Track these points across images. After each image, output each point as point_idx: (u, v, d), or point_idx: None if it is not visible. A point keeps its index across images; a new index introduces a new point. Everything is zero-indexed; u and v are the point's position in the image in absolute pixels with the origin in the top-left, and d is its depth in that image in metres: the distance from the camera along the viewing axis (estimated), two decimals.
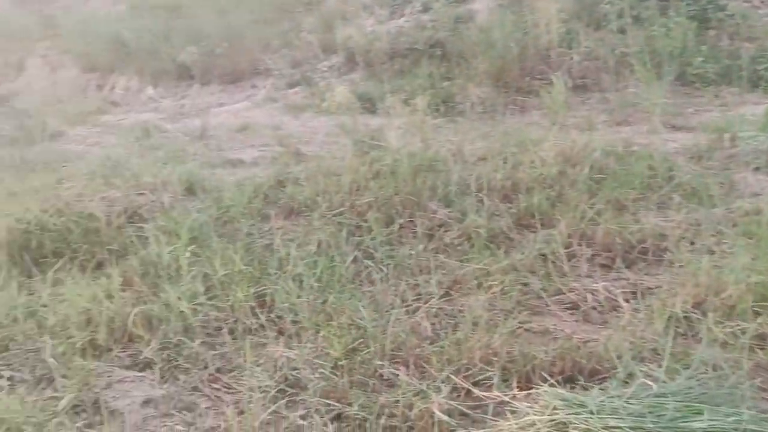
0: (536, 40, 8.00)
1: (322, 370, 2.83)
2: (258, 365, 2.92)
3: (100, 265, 3.95)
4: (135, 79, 11.92)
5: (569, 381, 2.68)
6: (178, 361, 3.04)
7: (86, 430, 2.56)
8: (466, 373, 2.78)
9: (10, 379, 2.87)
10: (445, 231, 4.11)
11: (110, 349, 3.15)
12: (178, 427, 2.64)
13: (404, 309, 3.32)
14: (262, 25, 11.04)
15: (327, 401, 2.65)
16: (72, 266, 3.84)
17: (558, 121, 5.87)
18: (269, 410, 2.60)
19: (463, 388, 2.66)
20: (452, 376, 2.73)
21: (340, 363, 2.85)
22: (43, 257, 3.98)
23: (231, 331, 3.23)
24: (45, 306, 3.41)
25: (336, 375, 2.79)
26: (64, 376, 2.89)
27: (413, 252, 3.85)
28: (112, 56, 12.08)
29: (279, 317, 3.31)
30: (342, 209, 4.35)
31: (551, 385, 2.51)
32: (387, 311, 3.29)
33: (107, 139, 8.30)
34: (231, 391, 2.86)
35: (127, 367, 3.05)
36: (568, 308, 3.42)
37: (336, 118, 6.39)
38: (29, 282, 3.77)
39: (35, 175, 5.78)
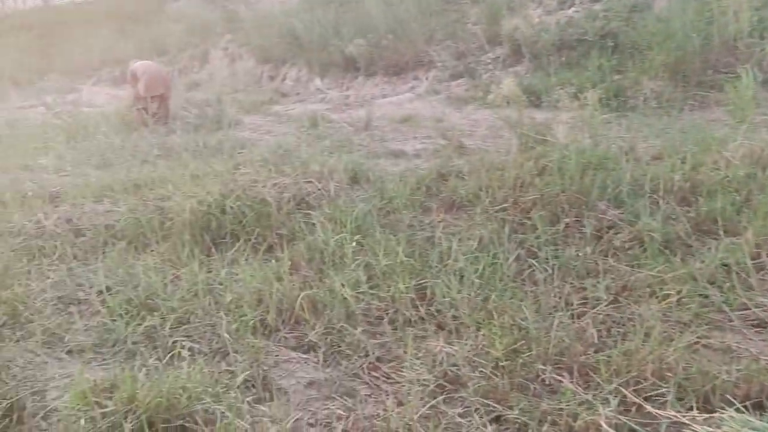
0: (722, 30, 7.35)
1: (482, 369, 2.78)
2: (417, 358, 2.92)
3: (270, 248, 4.15)
4: (304, 71, 12.49)
5: (757, 407, 2.43)
6: (340, 346, 3.12)
7: (256, 405, 2.69)
8: (636, 387, 2.61)
9: (190, 350, 3.09)
10: (615, 233, 3.89)
11: (278, 330, 3.30)
12: (339, 411, 2.71)
13: (569, 313, 3.18)
14: (428, 17, 11.09)
15: (487, 401, 2.60)
16: (246, 248, 4.08)
17: (746, 119, 5.35)
18: (428, 405, 2.60)
19: (634, 403, 2.49)
20: (621, 389, 2.57)
21: (501, 363, 2.78)
22: (221, 238, 4.27)
23: (391, 322, 3.27)
24: (221, 284, 3.64)
25: (496, 375, 2.73)
26: (236, 352, 3.06)
27: (580, 253, 3.68)
28: (285, 48, 12.72)
29: (438, 311, 3.30)
30: (505, 205, 4.25)
31: (737, 410, 2.28)
32: (550, 314, 3.17)
33: (278, 128, 8.76)
34: (390, 381, 2.89)
35: (293, 348, 3.18)
36: (754, 325, 3.11)
37: (499, 111, 6.25)
38: (208, 260, 4.04)
39: (215, 160, 6.21)
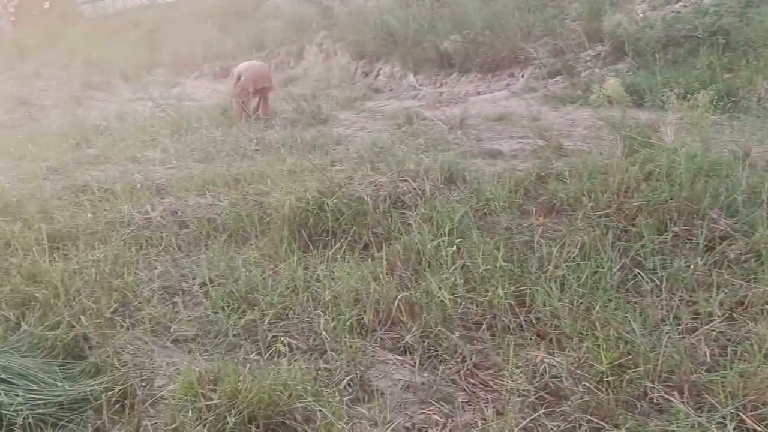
0: None
1: (585, 383, 2.68)
2: (517, 367, 2.85)
3: (366, 247, 4.18)
4: (398, 67, 12.50)
5: None
6: (437, 350, 3.10)
7: (353, 406, 2.71)
8: (755, 412, 2.45)
9: (288, 346, 3.15)
10: (729, 244, 3.67)
11: (375, 330, 3.31)
12: (435, 417, 2.68)
13: (678, 328, 3.03)
14: (526, 13, 10.86)
15: (590, 417, 2.51)
16: (342, 245, 4.12)
17: None
18: (529, 417, 2.54)
19: (754, 430, 2.34)
20: (739, 413, 2.42)
21: (605, 378, 2.68)
22: (318, 235, 4.33)
23: (489, 328, 3.21)
24: (319, 281, 3.69)
25: (601, 391, 2.63)
26: (333, 350, 3.09)
27: (690, 265, 3.49)
28: (379, 44, 12.78)
29: (538, 319, 3.22)
30: (608, 211, 4.09)
31: None
32: (657, 328, 3.03)
33: (371, 124, 8.81)
34: (488, 389, 2.84)
35: (390, 350, 3.18)
36: None
37: (600, 111, 6.04)
38: (305, 257, 4.11)
39: (312, 156, 6.32)
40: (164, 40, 20.19)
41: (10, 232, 4.28)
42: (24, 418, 2.51)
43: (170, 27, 21.04)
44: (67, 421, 2.65)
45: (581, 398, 2.60)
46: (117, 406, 2.73)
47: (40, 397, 2.68)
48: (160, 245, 4.40)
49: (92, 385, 2.78)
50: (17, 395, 2.62)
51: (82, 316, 3.31)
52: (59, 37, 23.90)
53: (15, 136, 8.62)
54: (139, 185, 5.41)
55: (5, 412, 2.55)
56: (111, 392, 2.74)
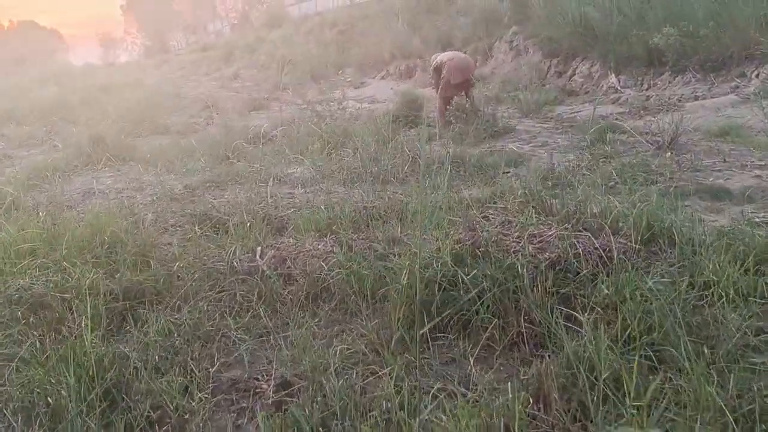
0: None
1: None
2: None
3: (512, 347, 2.87)
4: (597, 66, 10.76)
5: None
6: None
7: None
8: None
9: None
10: None
11: None
12: None
13: None
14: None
15: None
16: (476, 345, 2.85)
17: None
18: None
19: None
20: None
21: None
22: (444, 324, 3.06)
23: None
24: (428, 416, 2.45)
25: None
26: None
27: None
28: (577, 40, 11.12)
29: None
30: None
31: None
32: None
33: (556, 138, 7.35)
34: None
35: None
36: None
37: None
38: (423, 354, 2.91)
39: (471, 182, 5.11)
40: (355, 39, 19.94)
41: (77, 286, 3.48)
42: None
43: (362, 26, 20.77)
44: None
45: None
46: None
47: None
48: (255, 309, 3.45)
49: None
50: None
51: None
52: (263, 38, 24.80)
53: (183, 143, 8.36)
54: (255, 218, 4.55)
55: None
56: None
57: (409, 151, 6.32)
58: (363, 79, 17.02)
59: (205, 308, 3.41)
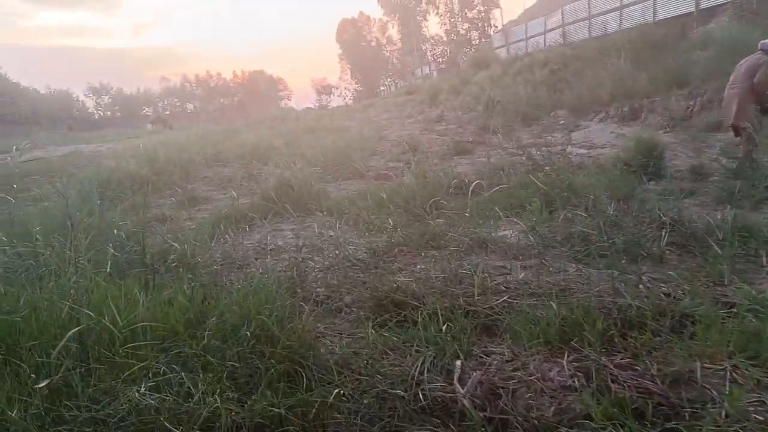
0: None
1: None
2: None
3: None
4: None
5: None
6: None
7: None
8: None
9: None
10: None
11: None
12: None
13: None
14: None
15: None
16: None
17: None
18: None
19: None
20: None
21: None
22: None
23: None
24: None
25: None
26: None
27: None
28: None
29: None
30: None
31: None
32: None
33: None
34: None
35: None
36: None
37: None
38: None
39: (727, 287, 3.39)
40: (568, 79, 18.19)
41: (197, 411, 2.37)
42: None
43: (576, 65, 18.98)
44: None
45: None
46: None
47: None
48: None
49: None
50: None
51: None
52: (469, 80, 23.93)
53: (375, 192, 7.32)
54: (454, 310, 3.23)
55: None
56: None
57: (663, 214, 4.68)
58: (578, 122, 15.25)
59: None
